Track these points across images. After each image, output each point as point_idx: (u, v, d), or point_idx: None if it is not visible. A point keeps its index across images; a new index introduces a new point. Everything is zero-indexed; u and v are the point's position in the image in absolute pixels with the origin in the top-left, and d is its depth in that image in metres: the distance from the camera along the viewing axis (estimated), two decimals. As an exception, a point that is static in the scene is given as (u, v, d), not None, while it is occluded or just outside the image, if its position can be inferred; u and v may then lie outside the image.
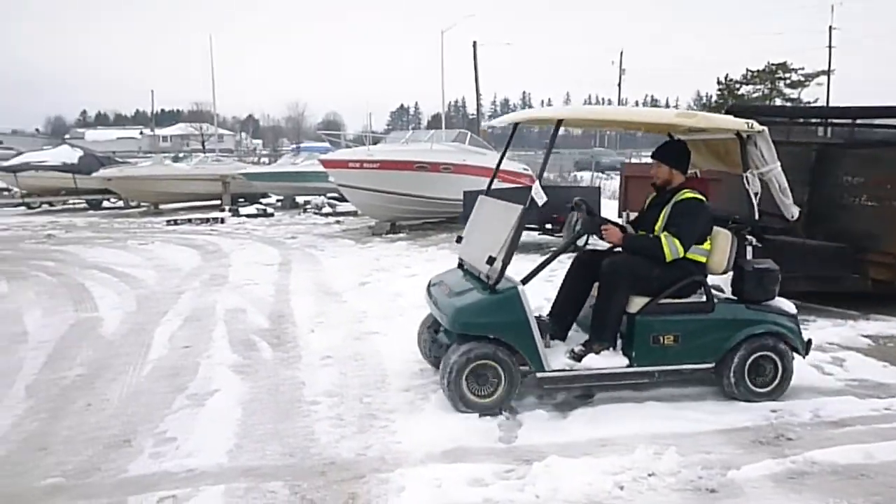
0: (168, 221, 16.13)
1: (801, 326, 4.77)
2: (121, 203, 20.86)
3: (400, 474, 3.49)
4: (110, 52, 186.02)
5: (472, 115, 64.62)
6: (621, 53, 58.90)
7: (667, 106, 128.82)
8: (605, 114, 5.23)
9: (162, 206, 19.59)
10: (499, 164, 5.45)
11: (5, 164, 21.10)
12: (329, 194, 19.30)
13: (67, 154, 20.92)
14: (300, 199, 20.22)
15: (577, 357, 4.42)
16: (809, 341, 4.77)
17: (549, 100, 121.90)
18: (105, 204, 21.16)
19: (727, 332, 4.57)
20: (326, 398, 4.52)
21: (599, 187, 13.89)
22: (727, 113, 8.13)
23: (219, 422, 4.14)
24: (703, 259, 4.65)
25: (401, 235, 13.51)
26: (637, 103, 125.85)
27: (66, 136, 69.87)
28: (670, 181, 4.76)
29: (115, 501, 3.27)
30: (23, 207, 20.26)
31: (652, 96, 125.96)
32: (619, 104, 65.61)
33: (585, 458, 3.69)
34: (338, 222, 16.40)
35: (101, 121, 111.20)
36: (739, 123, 4.67)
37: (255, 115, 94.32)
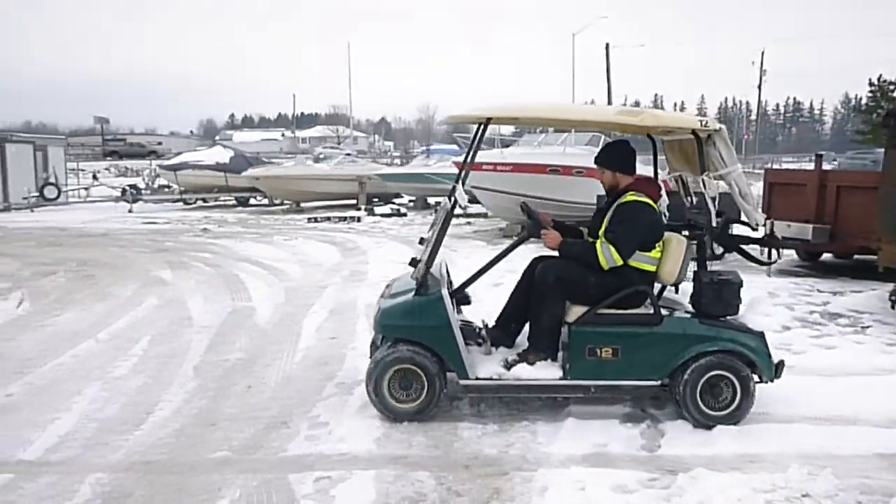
0: (309, 219, 16.98)
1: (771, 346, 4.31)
2: (266, 200, 22.16)
3: (542, 474, 3.53)
4: (256, 60, 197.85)
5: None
6: (762, 53, 55.71)
7: (811, 110, 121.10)
8: (537, 111, 4.73)
9: (303, 205, 20.64)
10: (464, 164, 4.63)
11: (167, 162, 23.03)
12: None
13: (220, 154, 22.52)
14: (432, 200, 20.68)
15: (509, 366, 4.23)
16: (780, 363, 4.30)
17: (682, 103, 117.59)
18: (252, 201, 22.56)
19: (675, 348, 4.18)
20: (467, 395, 4.63)
21: None
22: (887, 116, 7.57)
23: (366, 411, 4.34)
24: (652, 268, 4.33)
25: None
26: (778, 106, 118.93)
27: (217, 137, 75.06)
28: (616, 184, 4.46)
29: (277, 477, 3.52)
30: (180, 203, 21.97)
31: (794, 98, 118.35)
32: (758, 107, 62.12)
33: (733, 472, 3.59)
34: (468, 223, 16.63)
35: (247, 123, 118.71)
36: (693, 121, 4.33)
37: (388, 117, 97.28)
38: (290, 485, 3.43)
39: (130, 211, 20.03)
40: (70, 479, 3.50)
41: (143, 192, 22.60)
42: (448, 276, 4.73)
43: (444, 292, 4.16)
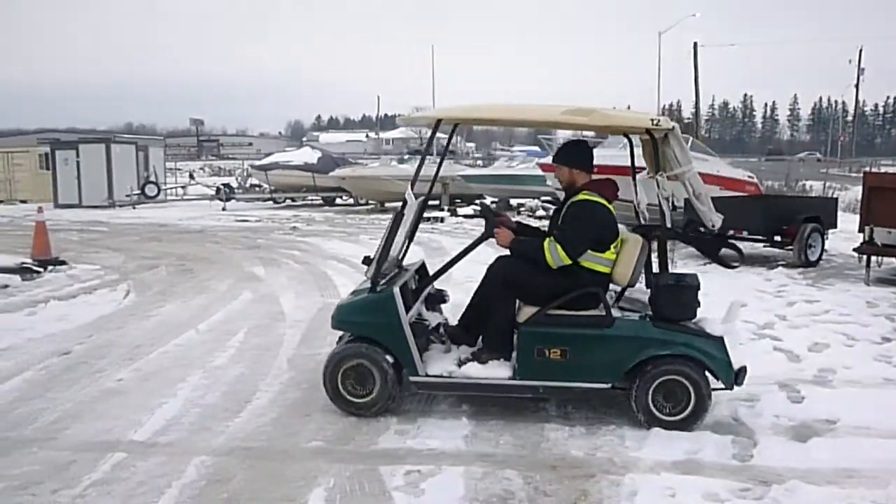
0: (393, 219, 17.28)
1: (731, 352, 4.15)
2: (351, 200, 22.67)
3: (630, 479, 3.52)
4: (342, 62, 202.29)
5: (688, 119, 61.61)
6: (860, 51, 52.81)
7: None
8: (485, 111, 4.71)
9: (387, 205, 20.99)
10: (418, 168, 4.59)
11: (258, 163, 23.88)
12: (543, 197, 19.53)
13: (308, 155, 23.19)
14: (514, 202, 20.65)
15: (461, 364, 4.25)
16: (742, 369, 4.16)
17: (773, 103, 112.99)
18: (338, 201, 23.13)
19: (625, 351, 4.11)
20: (554, 397, 4.65)
21: (836, 198, 12.67)
22: None
23: (454, 409, 4.44)
24: (606, 269, 4.27)
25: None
26: (876, 106, 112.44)
27: (304, 138, 77.17)
28: (574, 182, 4.42)
29: (368, 468, 3.64)
30: (270, 202, 22.75)
31: (895, 99, 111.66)
32: (855, 108, 58.97)
33: (830, 486, 3.48)
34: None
35: (332, 125, 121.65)
36: (644, 121, 4.22)
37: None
38: (382, 476, 3.55)
39: (224, 209, 20.91)
40: (177, 461, 3.73)
41: (235, 191, 23.52)
42: (419, 276, 4.96)
43: (396, 290, 4.21)
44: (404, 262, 5.05)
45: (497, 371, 4.23)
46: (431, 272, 4.98)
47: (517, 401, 4.53)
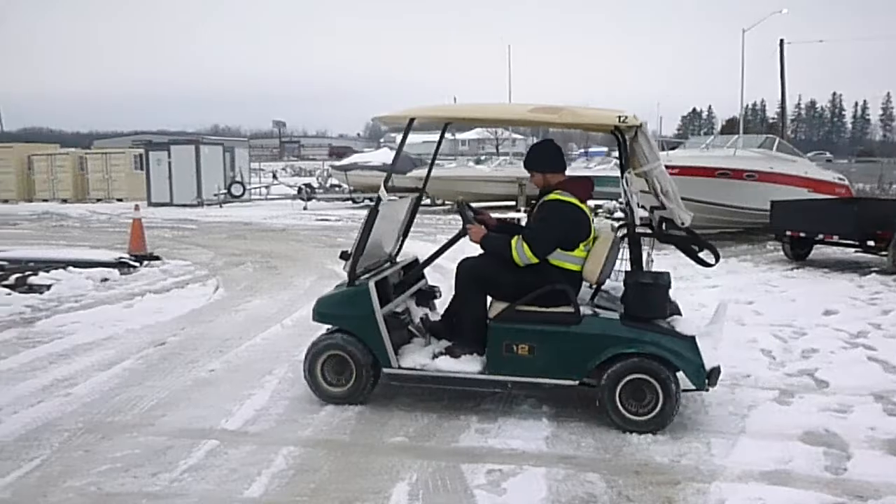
0: (469, 219, 17.34)
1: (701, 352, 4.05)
2: (428, 200, 22.87)
3: (717, 487, 3.43)
4: (419, 64, 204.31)
5: (773, 118, 59.29)
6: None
7: None
8: (456, 111, 4.93)
9: (463, 205, 21.10)
10: (392, 163, 5.01)
11: (338, 163, 24.43)
12: (620, 199, 19.21)
13: (387, 155, 23.62)
14: (591, 203, 20.39)
15: (434, 357, 4.36)
16: (715, 370, 4.07)
17: (864, 102, 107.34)
18: (414, 201, 23.38)
19: (591, 348, 4.13)
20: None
21: None
22: None
23: (535, 410, 4.44)
24: (576, 266, 4.30)
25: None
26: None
27: (381, 139, 78.28)
28: (548, 184, 4.46)
29: (450, 465, 3.68)
30: (349, 202, 23.23)
31: None
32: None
33: (933, 505, 3.30)
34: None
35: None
36: (612, 118, 4.20)
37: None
38: (463, 474, 3.58)
39: (305, 208, 21.50)
40: (266, 450, 3.87)
41: (316, 190, 24.12)
42: (410, 272, 5.20)
43: (371, 284, 4.37)
44: (398, 258, 5.35)
45: (468, 365, 4.32)
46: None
47: (595, 401, 4.51)
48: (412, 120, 4.60)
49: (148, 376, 5.14)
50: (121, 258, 10.07)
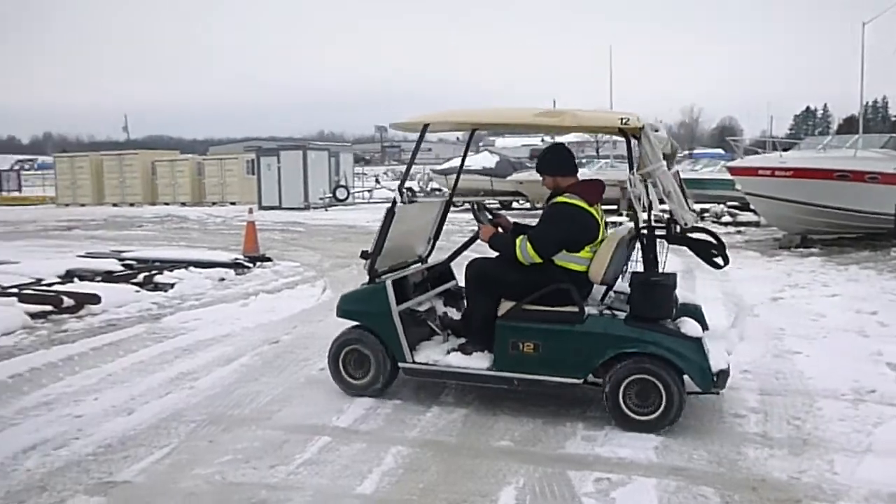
0: (570, 223, 17.15)
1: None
2: (527, 204, 22.81)
3: (842, 508, 3.27)
4: (517, 65, 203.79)
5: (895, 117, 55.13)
6: None
7: None
8: (465, 115, 4.96)
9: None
10: (408, 168, 5.07)
11: (439, 167, 24.73)
12: (728, 203, 18.50)
13: (486, 159, 23.64)
14: (697, 207, 19.72)
15: (447, 354, 4.58)
16: (722, 373, 4.07)
17: None
18: (514, 204, 23.36)
19: (595, 347, 4.19)
20: (750, 413, 4.42)
21: None
22: None
23: (642, 418, 4.35)
24: (582, 267, 4.39)
25: (813, 250, 12.34)
26: None
27: (480, 143, 78.59)
28: (558, 186, 4.56)
29: (557, 472, 3.67)
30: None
31: None
32: None
33: None
34: (739, 232, 15.64)
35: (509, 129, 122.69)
36: (615, 120, 4.27)
37: (648, 120, 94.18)
38: (571, 481, 3.56)
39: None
40: (376, 448, 3.98)
41: (417, 194, 24.46)
42: (440, 273, 5.45)
43: (388, 283, 4.63)
44: (429, 260, 5.56)
45: (477, 362, 4.49)
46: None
47: (714, 413, 4.39)
48: (426, 126, 4.76)
49: (264, 372, 5.40)
50: (236, 259, 10.59)
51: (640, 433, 4.08)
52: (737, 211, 17.78)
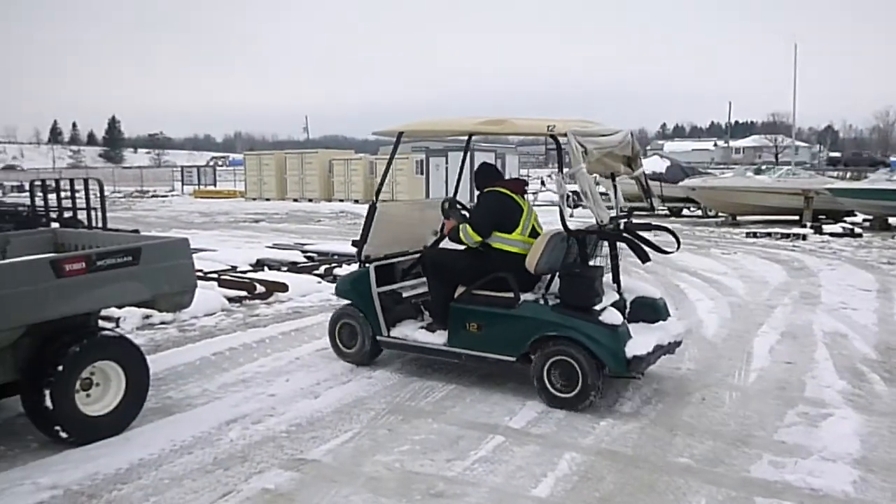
0: (747, 233, 16.16)
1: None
2: (699, 212, 21.77)
3: None
4: (689, 68, 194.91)
5: None
6: None
7: None
8: (423, 125, 6.06)
9: (739, 218, 19.73)
10: (385, 172, 5.78)
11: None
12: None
13: (656, 164, 22.79)
14: (893, 221, 17.89)
15: (417, 331, 5.29)
16: (634, 358, 4.45)
17: None
18: (684, 212, 22.39)
19: (525, 329, 4.72)
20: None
21: None
22: None
23: (837, 448, 4.02)
24: (514, 248, 5.00)
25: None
26: None
27: (647, 147, 76.14)
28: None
29: (743, 497, 3.49)
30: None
31: None
32: None
33: None
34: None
35: (678, 133, 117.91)
36: (542, 127, 4.78)
37: (835, 125, 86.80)
38: (758, 508, 3.37)
39: (572, 215, 21.56)
40: (550, 453, 3.99)
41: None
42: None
43: (371, 268, 5.40)
44: None
45: (437, 339, 5.13)
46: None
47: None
48: (401, 134, 5.47)
49: (436, 368, 5.57)
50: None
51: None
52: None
